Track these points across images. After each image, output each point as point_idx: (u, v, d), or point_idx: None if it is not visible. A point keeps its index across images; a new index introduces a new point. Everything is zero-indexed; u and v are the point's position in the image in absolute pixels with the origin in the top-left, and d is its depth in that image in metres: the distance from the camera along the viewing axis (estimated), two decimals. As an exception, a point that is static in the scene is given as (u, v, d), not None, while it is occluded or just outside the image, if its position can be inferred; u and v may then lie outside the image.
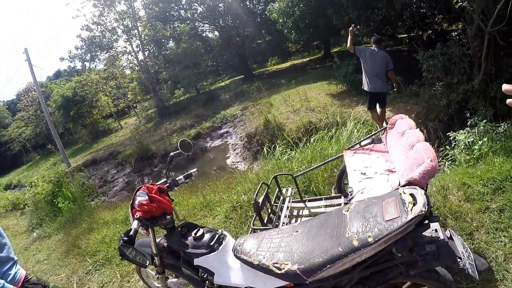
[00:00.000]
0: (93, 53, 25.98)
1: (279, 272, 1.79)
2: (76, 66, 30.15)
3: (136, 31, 24.55)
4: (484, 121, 5.75)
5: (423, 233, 1.73)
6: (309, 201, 3.65)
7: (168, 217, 2.37)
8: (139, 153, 16.10)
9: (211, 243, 2.25)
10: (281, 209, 3.44)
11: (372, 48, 7.24)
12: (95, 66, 28.16)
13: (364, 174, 2.96)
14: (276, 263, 1.82)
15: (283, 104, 13.20)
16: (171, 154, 2.76)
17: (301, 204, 3.58)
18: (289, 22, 14.16)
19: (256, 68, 31.57)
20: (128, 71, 28.98)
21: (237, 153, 12.30)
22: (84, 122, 28.09)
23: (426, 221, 1.62)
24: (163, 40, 25.19)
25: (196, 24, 26.14)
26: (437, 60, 7.92)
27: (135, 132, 21.60)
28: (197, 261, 2.26)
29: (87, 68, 28.23)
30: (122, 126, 28.14)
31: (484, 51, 7.18)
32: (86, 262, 4.95)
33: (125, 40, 25.01)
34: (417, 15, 11.01)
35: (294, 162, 5.15)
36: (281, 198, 3.57)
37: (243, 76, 27.25)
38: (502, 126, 5.34)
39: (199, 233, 2.33)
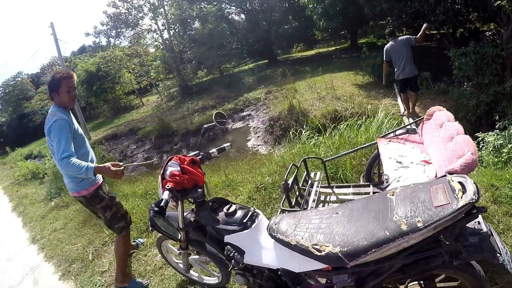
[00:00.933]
0: (119, 30, 25.93)
1: (318, 254, 1.71)
2: (101, 42, 30.36)
3: (162, 9, 24.46)
4: None
5: (466, 225, 1.68)
6: (336, 187, 3.68)
7: (200, 190, 2.29)
8: (160, 130, 16.18)
9: (244, 220, 2.16)
10: (309, 193, 3.47)
11: (390, 42, 7.83)
12: (120, 42, 28.24)
13: (400, 163, 2.99)
14: (315, 244, 1.75)
15: (308, 90, 13.25)
16: (205, 126, 2.69)
17: (329, 190, 3.62)
18: (319, 8, 14.13)
19: (280, 53, 31.38)
20: (152, 50, 29.01)
21: (258, 136, 12.36)
22: (106, 98, 28.25)
23: (475, 211, 1.55)
24: (188, 20, 25.06)
25: (222, 6, 25.93)
26: (469, 59, 7.85)
27: (156, 110, 21.72)
28: (227, 238, 2.18)
29: (111, 44, 28.34)
30: (144, 103, 28.31)
31: None
32: (103, 233, 4.95)
33: (151, 18, 24.96)
34: (451, 10, 10.81)
35: (321, 148, 5.19)
36: (309, 182, 3.61)
37: (267, 60, 27.09)
38: None
39: (231, 209, 2.23)
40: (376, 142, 3.58)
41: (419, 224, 1.53)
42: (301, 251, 1.81)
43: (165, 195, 2.03)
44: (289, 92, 12.71)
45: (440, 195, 1.62)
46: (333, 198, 3.53)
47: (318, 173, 3.82)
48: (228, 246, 2.18)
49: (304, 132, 6.16)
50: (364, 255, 1.59)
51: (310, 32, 26.16)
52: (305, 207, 3.23)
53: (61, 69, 20.30)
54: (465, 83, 8.28)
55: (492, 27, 12.33)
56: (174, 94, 25.81)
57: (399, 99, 9.44)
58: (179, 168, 2.28)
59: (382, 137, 3.54)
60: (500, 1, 6.29)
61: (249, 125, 14.06)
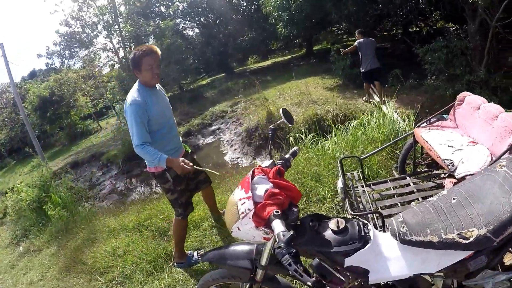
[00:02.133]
0: (72, 50, 25.01)
1: (466, 242, 1.62)
2: (54, 64, 29.00)
3: (117, 26, 23.84)
4: None
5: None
6: (373, 184, 3.65)
7: (296, 210, 1.75)
8: (126, 153, 15.06)
9: (362, 234, 1.74)
10: (357, 194, 3.44)
11: (362, 39, 9.19)
12: (74, 63, 27.16)
13: (452, 147, 3.02)
14: (460, 233, 1.64)
15: (279, 98, 13.16)
16: (271, 126, 2.42)
17: (368, 188, 3.56)
18: (285, 15, 14.14)
19: (236, 66, 31.46)
20: (106, 70, 28.16)
21: (235, 149, 12.12)
22: (62, 124, 27.00)
23: None
24: (143, 38, 24.61)
25: (177, 21, 25.76)
26: (441, 53, 8.38)
27: (117, 133, 20.93)
28: (349, 261, 1.70)
29: (66, 65, 27.24)
30: (102, 127, 27.36)
31: (488, 45, 7.74)
32: (97, 281, 4.08)
33: (105, 36, 24.22)
34: (415, 10, 11.33)
35: (334, 149, 5.00)
36: (351, 183, 3.55)
37: (224, 74, 27.07)
38: None
39: (341, 225, 1.74)
40: (413, 132, 3.59)
41: None
42: (445, 246, 1.68)
43: (279, 225, 1.53)
44: (261, 101, 12.66)
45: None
46: (376, 195, 3.49)
47: (355, 173, 3.78)
48: (347, 272, 1.74)
49: (308, 136, 5.91)
50: (510, 226, 1.56)
51: (267, 42, 26.41)
52: (361, 208, 3.19)
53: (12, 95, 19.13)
54: (439, 76, 8.89)
55: (450, 24, 13.03)
56: None
57: (375, 96, 9.94)
58: (271, 184, 1.80)
59: (418, 126, 3.54)
60: None
61: (221, 139, 13.73)
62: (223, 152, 12.38)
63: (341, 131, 5.56)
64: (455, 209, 1.76)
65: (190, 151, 3.77)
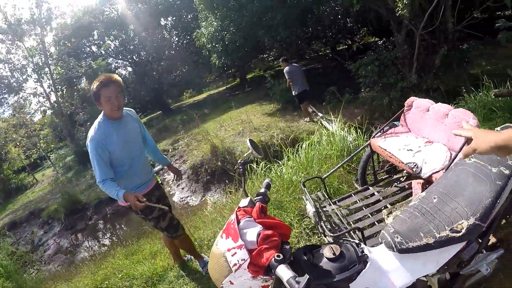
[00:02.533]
0: (1, 96, 23.39)
1: (459, 234, 1.70)
2: (-20, 113, 26.95)
3: (47, 68, 22.67)
4: None
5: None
6: (339, 201, 3.61)
7: (288, 246, 1.64)
8: (67, 206, 13.99)
9: (359, 255, 1.67)
10: (327, 214, 3.37)
11: (289, 66, 9.97)
12: (4, 111, 25.38)
13: (411, 150, 3.09)
14: (451, 228, 1.73)
15: (220, 129, 13.01)
16: (241, 161, 2.28)
17: (336, 206, 3.51)
18: (218, 46, 14.24)
19: (172, 102, 31.11)
20: (38, 117, 26.65)
21: (183, 188, 11.68)
22: (-6, 181, 25.07)
23: None
24: (75, 79, 23.63)
25: (109, 60, 25.16)
26: (374, 65, 8.87)
27: (55, 185, 19.58)
28: (354, 286, 1.65)
29: (-6, 114, 25.33)
30: (38, 180, 25.68)
31: (416, 52, 8.26)
32: None
33: (36, 80, 22.85)
34: (344, 29, 11.91)
35: (290, 172, 4.90)
36: (318, 204, 3.46)
37: (160, 112, 26.64)
38: None
39: (336, 251, 1.64)
40: (369, 143, 3.62)
41: None
42: (441, 244, 1.73)
43: (286, 271, 1.38)
44: (203, 135, 12.44)
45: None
46: (345, 211, 3.44)
47: (319, 193, 3.71)
48: None
49: (259, 165, 5.73)
50: (493, 209, 1.72)
51: (201, 75, 26.40)
52: (335, 227, 3.10)
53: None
54: (373, 87, 9.32)
55: (376, 39, 13.79)
56: (71, 163, 23.61)
57: (310, 109, 10.48)
58: (260, 226, 1.65)
59: (374, 137, 3.59)
60: (401, 11, 7.25)
61: (166, 179, 13.26)
62: (171, 193, 11.78)
63: (293, 154, 5.50)
64: (440, 208, 1.86)
65: (160, 182, 3.66)
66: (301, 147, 5.49)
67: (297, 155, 5.38)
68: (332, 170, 3.64)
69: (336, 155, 4.89)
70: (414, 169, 2.84)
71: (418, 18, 7.94)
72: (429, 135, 3.23)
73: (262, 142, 9.55)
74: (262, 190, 2.08)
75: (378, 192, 3.55)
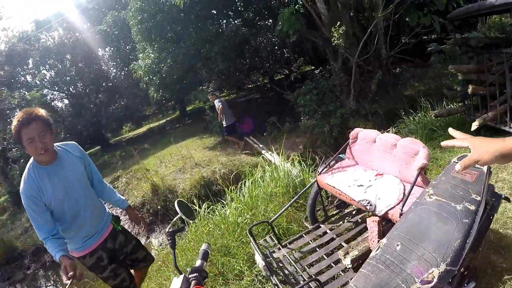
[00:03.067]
0: None
1: (431, 285, 1.52)
2: None
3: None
4: None
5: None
6: (290, 243, 3.31)
7: None
8: (2, 254, 12.70)
9: None
10: (278, 260, 3.05)
11: (218, 100, 10.45)
12: None
13: (362, 185, 2.86)
14: (422, 280, 1.54)
15: (161, 166, 12.40)
16: (169, 230, 1.97)
17: (286, 249, 3.21)
18: (156, 79, 13.76)
19: (111, 137, 29.81)
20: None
21: None
22: None
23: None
24: (8, 111, 21.75)
25: (44, 91, 23.58)
26: (312, 94, 8.94)
27: (-14, 231, 17.73)
28: None
29: None
30: (-34, 229, 23.22)
31: (353, 78, 8.36)
32: None
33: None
34: (281, 60, 11.98)
35: (235, 214, 4.54)
36: (267, 251, 3.13)
37: (99, 147, 25.33)
38: (390, 130, 6.46)
39: None
40: (316, 181, 3.35)
41: (477, 198, 1.80)
42: None
43: None
44: (142, 173, 11.77)
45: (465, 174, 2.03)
46: (297, 254, 3.15)
47: (268, 238, 3.38)
48: None
49: (203, 206, 5.29)
50: (464, 250, 1.59)
51: (140, 108, 25.69)
52: (288, 274, 2.81)
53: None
54: (313, 115, 9.26)
55: (312, 68, 14.06)
56: (4, 204, 21.55)
57: (257, 147, 10.24)
58: None
59: (319, 173, 3.31)
60: (337, 41, 7.33)
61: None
62: None
63: (236, 193, 5.11)
64: (405, 256, 1.65)
65: (120, 228, 2.95)
66: (245, 184, 5.10)
67: (240, 194, 4.99)
68: (278, 213, 3.27)
69: (281, 192, 4.55)
70: (368, 207, 2.60)
71: (353, 46, 8.13)
72: (379, 167, 3.04)
73: (204, 178, 9.12)
74: (198, 263, 1.74)
75: (330, 229, 3.32)
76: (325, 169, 3.31)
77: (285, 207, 3.30)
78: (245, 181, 5.16)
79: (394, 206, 2.47)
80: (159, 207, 9.27)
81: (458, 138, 1.33)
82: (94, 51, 23.08)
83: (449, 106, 6.16)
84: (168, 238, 1.89)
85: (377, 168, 3.06)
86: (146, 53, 14.10)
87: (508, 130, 4.56)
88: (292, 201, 3.35)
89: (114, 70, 24.70)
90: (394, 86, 9.39)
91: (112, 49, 23.45)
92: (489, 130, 5.07)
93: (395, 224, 1.88)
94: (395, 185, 2.70)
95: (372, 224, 2.52)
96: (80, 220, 2.59)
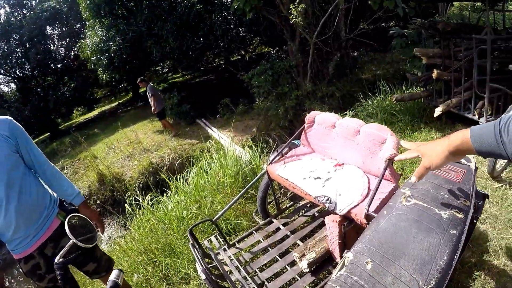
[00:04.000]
0: None
1: None
2: None
3: None
4: None
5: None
6: (238, 242, 2.91)
7: None
8: None
9: None
10: (224, 263, 2.64)
11: (148, 84, 10.40)
12: None
13: (319, 178, 2.44)
14: None
15: (109, 152, 11.58)
16: (59, 259, 1.56)
17: (235, 249, 2.80)
18: (104, 59, 12.82)
19: (61, 122, 28.13)
20: None
21: None
22: None
23: None
24: None
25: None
26: (267, 75, 8.50)
27: None
28: None
29: None
30: None
31: (310, 59, 8.08)
32: None
33: None
34: (236, 39, 11.48)
35: (179, 208, 4.02)
36: (212, 253, 2.68)
37: (49, 134, 23.83)
38: (348, 113, 6.04)
39: None
40: (266, 171, 2.90)
41: (466, 203, 1.49)
42: None
43: None
44: (89, 161, 10.97)
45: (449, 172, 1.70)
46: (248, 255, 2.74)
47: (213, 238, 2.91)
48: None
49: (147, 197, 4.67)
50: (451, 269, 1.25)
51: (89, 91, 24.29)
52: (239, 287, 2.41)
53: None
54: (267, 97, 8.96)
55: (268, 49, 13.64)
56: None
57: (209, 130, 9.99)
58: None
59: (271, 163, 2.86)
60: (295, 19, 6.97)
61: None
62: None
63: (182, 182, 4.59)
64: (378, 279, 1.27)
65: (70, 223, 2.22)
66: (190, 173, 4.58)
67: (186, 183, 4.48)
68: (223, 210, 2.80)
69: (230, 182, 4.08)
70: (326, 205, 2.17)
71: (312, 26, 7.81)
72: (339, 156, 2.63)
73: (154, 165, 8.60)
74: None
75: (284, 225, 2.94)
76: (277, 158, 2.86)
77: (231, 203, 2.83)
78: (191, 169, 4.64)
79: (358, 204, 2.07)
80: (106, 197, 8.74)
81: (407, 151, 1.32)
82: (42, 30, 21.32)
83: (408, 91, 5.95)
84: (58, 273, 1.46)
85: (336, 156, 2.66)
86: (94, 31, 13.11)
87: (472, 117, 4.33)
88: (238, 196, 2.88)
89: (63, 50, 23.08)
90: (351, 69, 9.20)
91: (61, 27, 21.89)
92: (451, 117, 4.88)
93: (363, 233, 1.47)
94: (358, 178, 2.30)
95: (331, 224, 2.11)
96: (9, 216, 2.00)
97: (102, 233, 2.59)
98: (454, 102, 4.39)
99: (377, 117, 5.49)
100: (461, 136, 1.11)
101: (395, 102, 4.91)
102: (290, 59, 8.80)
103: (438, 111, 4.29)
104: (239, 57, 13.28)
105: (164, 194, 4.64)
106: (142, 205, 4.51)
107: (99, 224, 2.53)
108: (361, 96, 6.60)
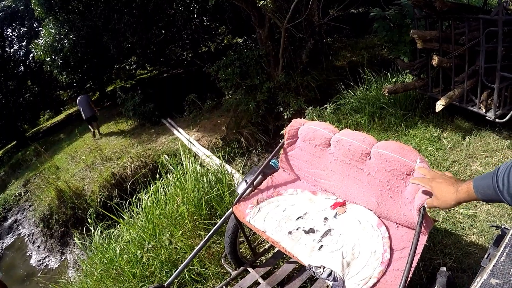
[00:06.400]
0: None
1: None
2: None
3: None
4: (310, 107, 5.95)
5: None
6: None
7: None
8: None
9: None
10: None
11: (80, 96, 11.50)
12: None
13: (312, 230, 1.64)
14: None
15: (71, 162, 10.56)
16: None
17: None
18: (58, 59, 11.79)
19: (28, 128, 26.62)
20: None
21: (38, 247, 8.91)
22: None
23: None
24: None
25: None
26: (235, 66, 7.86)
27: None
28: None
29: None
30: None
31: (282, 47, 7.39)
32: None
33: None
34: (200, 29, 10.69)
35: (127, 248, 3.18)
36: None
37: (15, 142, 22.36)
38: (328, 107, 5.63)
39: None
40: (232, 213, 2.05)
41: None
42: None
43: None
44: (49, 173, 9.90)
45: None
46: None
47: None
48: None
49: (97, 229, 3.74)
50: None
51: (55, 94, 23.18)
52: None
53: None
54: (237, 91, 8.27)
55: (237, 40, 12.90)
56: None
57: (175, 131, 9.35)
58: None
59: (237, 202, 2.01)
60: (263, 2, 6.31)
61: (21, 235, 10.18)
62: (27, 255, 9.10)
63: (136, 207, 3.68)
64: None
65: None
66: (144, 199, 3.62)
67: (141, 212, 3.55)
68: (176, 272, 1.90)
69: (191, 211, 3.17)
70: (329, 282, 1.39)
71: (283, 10, 7.11)
72: (338, 190, 1.82)
73: (116, 175, 7.78)
74: None
75: (263, 277, 2.18)
76: (246, 193, 2.02)
77: (185, 262, 1.91)
78: (142, 194, 3.69)
79: (379, 280, 1.31)
80: (67, 215, 7.91)
81: (422, 178, 1.36)
82: (-1, 32, 20.04)
83: (395, 80, 5.30)
84: None
85: (334, 191, 1.85)
86: (47, 29, 12.01)
87: (477, 111, 3.62)
88: (192, 255, 1.93)
89: (23, 52, 21.72)
90: (326, 56, 8.59)
91: (19, 28, 20.51)
92: (450, 109, 4.20)
93: None
94: (373, 230, 1.51)
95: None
96: None
97: None
98: (456, 94, 3.67)
99: (364, 111, 4.77)
100: (466, 190, 1.16)
101: (387, 94, 4.16)
102: (260, 48, 8.06)
103: (439, 105, 3.56)
104: (206, 49, 12.40)
105: (117, 226, 3.80)
106: (93, 236, 3.70)
107: None
108: (342, 86, 5.91)
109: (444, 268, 1.49)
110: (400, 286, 1.19)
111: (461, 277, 2.23)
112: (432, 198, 1.28)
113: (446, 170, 3.36)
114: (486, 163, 3.29)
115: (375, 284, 1.31)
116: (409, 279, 1.21)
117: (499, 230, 1.32)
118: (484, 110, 3.54)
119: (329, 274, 1.38)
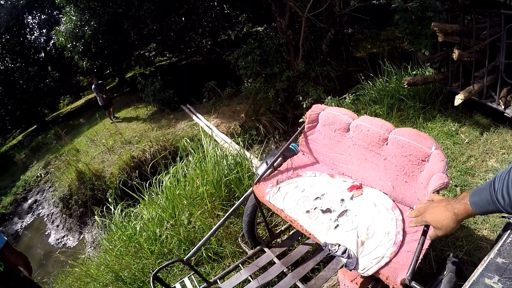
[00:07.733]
0: None
1: None
2: None
3: None
4: (329, 97, 5.93)
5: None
6: (221, 278, 2.25)
7: None
8: None
9: None
10: None
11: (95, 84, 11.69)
12: None
13: (329, 210, 1.71)
14: None
15: (91, 146, 10.76)
16: None
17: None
18: (79, 46, 11.97)
19: (48, 113, 27.13)
20: None
21: (57, 226, 9.24)
22: None
23: None
24: None
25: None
26: (255, 54, 7.90)
27: None
28: None
29: None
30: None
31: (302, 36, 7.37)
32: None
33: None
34: (221, 17, 10.70)
35: (153, 224, 3.29)
36: None
37: (36, 126, 22.82)
38: (347, 97, 5.58)
39: None
40: (252, 192, 2.14)
41: None
42: None
43: None
44: (70, 156, 10.17)
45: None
46: None
47: (186, 280, 2.20)
48: None
49: (117, 207, 3.90)
50: None
51: (74, 79, 23.44)
52: None
53: None
54: (256, 79, 8.33)
55: (258, 28, 12.87)
56: None
57: (194, 117, 9.38)
58: None
59: (258, 182, 2.10)
60: None
61: (41, 215, 10.45)
62: (46, 234, 9.41)
63: (156, 188, 3.82)
64: None
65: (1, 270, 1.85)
66: (163, 182, 3.72)
67: (160, 192, 3.68)
68: (195, 248, 2.03)
69: (210, 192, 3.26)
70: (343, 259, 1.46)
71: (303, 0, 7.05)
72: (355, 174, 1.89)
73: (135, 158, 7.90)
74: None
75: (278, 257, 2.25)
76: (267, 173, 2.11)
77: (205, 238, 2.04)
78: (163, 174, 3.81)
79: (391, 260, 1.38)
80: (87, 196, 8.12)
81: (415, 220, 1.28)
82: (20, 20, 20.28)
83: (415, 72, 5.28)
84: None
85: (352, 174, 1.92)
86: (68, 16, 12.17)
87: (496, 107, 3.60)
88: (213, 230, 2.07)
89: (45, 39, 22.02)
90: (347, 47, 8.51)
91: (39, 15, 20.79)
92: (469, 104, 4.15)
93: None
94: (387, 213, 1.57)
95: (349, 284, 1.41)
96: None
97: (30, 276, 2.00)
98: (476, 89, 3.66)
99: (383, 102, 4.78)
100: (464, 210, 1.14)
101: (406, 86, 4.16)
102: (280, 37, 8.06)
103: (458, 99, 3.56)
104: (226, 37, 12.44)
105: (137, 205, 3.94)
106: (114, 215, 3.87)
107: (26, 269, 2.11)
108: (361, 77, 5.91)
109: (454, 255, 1.50)
110: (410, 266, 1.26)
111: (471, 270, 2.27)
112: (433, 231, 1.23)
113: (462, 164, 3.36)
114: (503, 160, 3.27)
115: (387, 264, 1.38)
116: (419, 260, 1.27)
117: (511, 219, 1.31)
118: (503, 107, 3.51)
119: (344, 252, 1.45)
